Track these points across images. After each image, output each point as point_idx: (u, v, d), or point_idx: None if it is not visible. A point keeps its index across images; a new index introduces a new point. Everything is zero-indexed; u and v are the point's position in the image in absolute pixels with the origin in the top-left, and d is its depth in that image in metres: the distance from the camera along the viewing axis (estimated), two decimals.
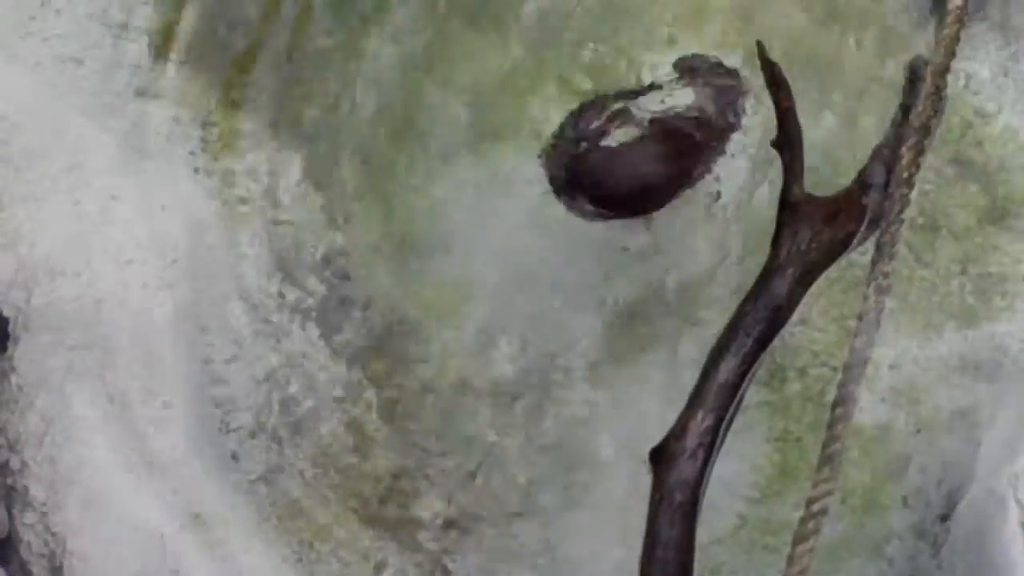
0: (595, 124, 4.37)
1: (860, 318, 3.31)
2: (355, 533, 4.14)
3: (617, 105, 4.38)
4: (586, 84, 4.43)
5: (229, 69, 4.38)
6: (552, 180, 4.36)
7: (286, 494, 4.12)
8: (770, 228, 3.52)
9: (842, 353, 3.33)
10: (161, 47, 4.34)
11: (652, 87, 4.40)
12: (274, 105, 4.38)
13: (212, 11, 4.41)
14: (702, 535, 3.28)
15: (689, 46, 4.45)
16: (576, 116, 4.40)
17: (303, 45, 4.44)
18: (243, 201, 4.31)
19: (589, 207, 4.35)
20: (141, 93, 4.29)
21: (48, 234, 4.12)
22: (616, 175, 4.38)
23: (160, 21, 4.35)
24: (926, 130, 3.52)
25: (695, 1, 4.49)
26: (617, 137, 4.35)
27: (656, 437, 3.33)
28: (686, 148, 4.37)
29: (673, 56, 4.43)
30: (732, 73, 4.42)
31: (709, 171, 4.36)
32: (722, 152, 4.37)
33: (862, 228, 3.51)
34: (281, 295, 4.25)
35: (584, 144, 4.36)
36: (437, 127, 4.41)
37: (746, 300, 3.46)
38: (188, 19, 4.37)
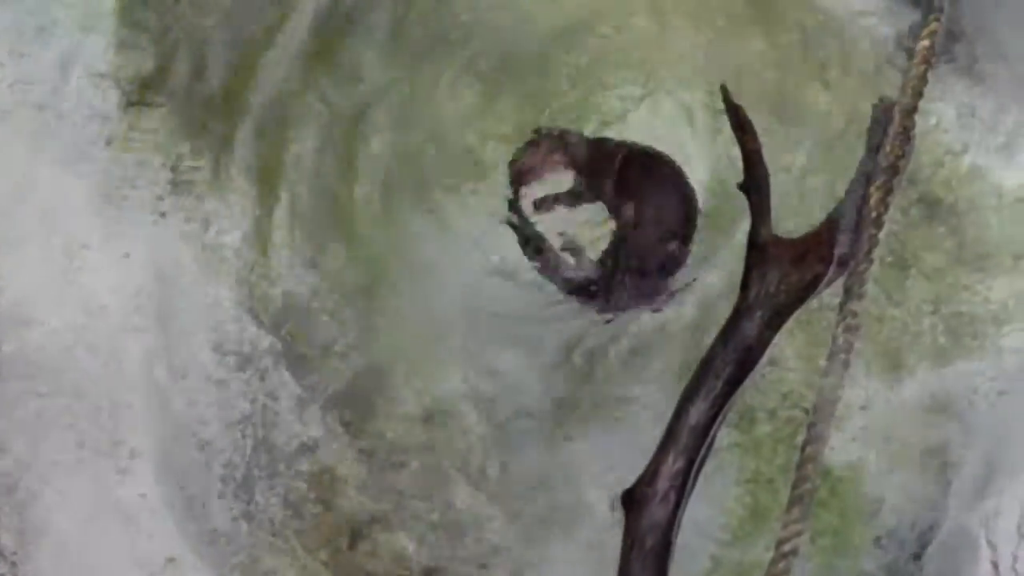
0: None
1: (829, 358, 3.31)
2: None
3: None
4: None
5: (197, 115, 4.38)
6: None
7: (256, 540, 4.10)
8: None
9: (812, 394, 3.31)
10: (130, 94, 4.34)
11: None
12: (242, 151, 4.39)
13: (181, 59, 4.42)
14: None
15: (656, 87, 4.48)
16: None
17: (271, 92, 4.45)
18: (212, 246, 4.30)
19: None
20: (110, 139, 4.29)
21: (19, 282, 4.11)
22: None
23: (129, 68, 4.35)
24: (894, 170, 3.53)
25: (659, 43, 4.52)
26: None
27: (628, 481, 3.33)
28: None
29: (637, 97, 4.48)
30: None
31: None
32: None
33: (831, 269, 3.51)
34: (252, 340, 4.23)
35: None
36: (407, 174, 4.41)
37: (715, 342, 3.46)
38: (157, 67, 4.38)
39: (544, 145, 4.49)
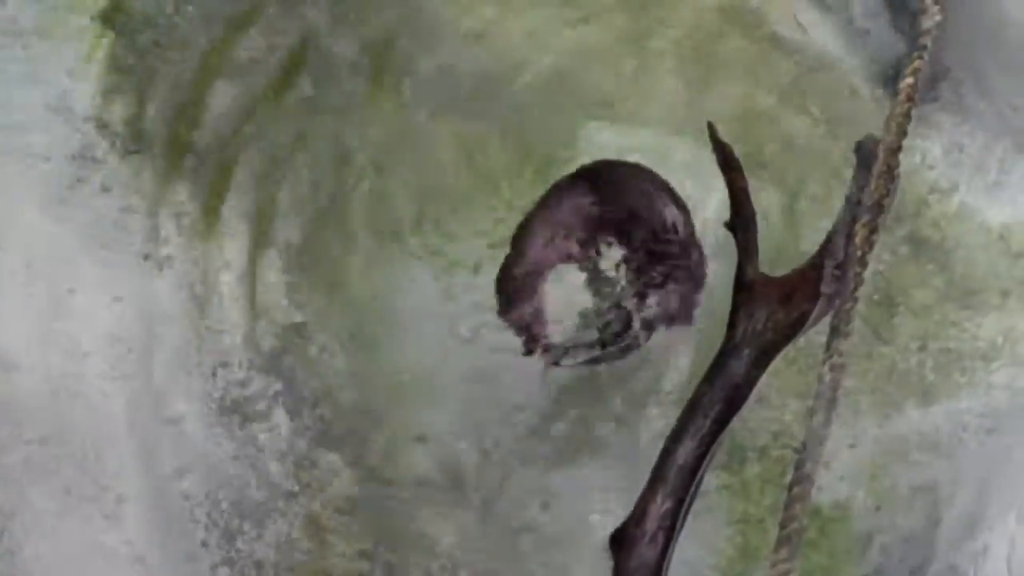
0: None
1: (816, 397, 3.31)
2: None
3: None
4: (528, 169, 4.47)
5: (185, 160, 4.39)
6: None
7: None
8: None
9: (801, 433, 3.31)
10: (117, 139, 4.34)
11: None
12: (231, 195, 4.38)
13: (168, 104, 4.43)
14: None
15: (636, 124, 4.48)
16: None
17: (260, 137, 4.45)
18: (198, 290, 4.29)
19: None
20: (95, 184, 4.29)
21: (4, 328, 4.11)
22: None
23: (116, 113, 4.36)
24: (879, 208, 3.54)
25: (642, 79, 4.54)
26: None
27: (616, 523, 3.33)
28: None
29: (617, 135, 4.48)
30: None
31: None
32: None
33: (817, 307, 3.52)
34: (240, 386, 4.22)
35: None
36: (387, 218, 4.42)
37: (703, 381, 3.47)
38: (145, 112, 4.39)
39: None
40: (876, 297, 4.27)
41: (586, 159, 4.40)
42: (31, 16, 4.39)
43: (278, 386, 4.25)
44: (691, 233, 4.29)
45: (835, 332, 3.40)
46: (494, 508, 4.18)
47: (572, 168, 4.40)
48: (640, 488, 3.38)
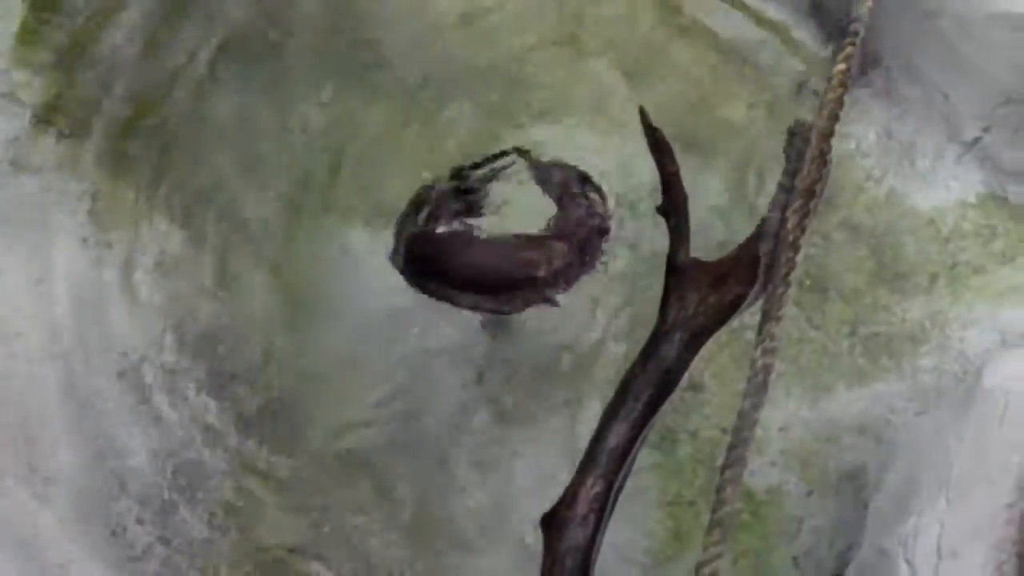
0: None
1: (748, 381, 3.32)
2: None
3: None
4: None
5: (115, 141, 4.36)
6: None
7: (175, 566, 4.06)
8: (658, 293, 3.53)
9: (734, 415, 3.32)
10: (47, 119, 4.31)
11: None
12: (160, 176, 4.36)
13: (98, 83, 4.40)
14: None
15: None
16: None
17: (189, 116, 4.43)
18: (130, 272, 4.27)
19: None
20: (25, 166, 4.26)
21: None
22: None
23: (45, 92, 4.34)
24: (811, 193, 3.55)
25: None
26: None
27: (548, 504, 3.33)
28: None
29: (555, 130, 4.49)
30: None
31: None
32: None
33: (752, 292, 3.53)
34: (170, 366, 4.21)
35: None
36: (319, 198, 4.41)
37: (634, 365, 3.47)
38: (73, 90, 4.36)
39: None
40: (808, 282, 4.29)
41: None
42: None
43: (206, 368, 4.23)
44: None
45: (767, 316, 3.41)
46: (427, 482, 4.18)
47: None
48: (571, 471, 3.38)
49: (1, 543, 3.97)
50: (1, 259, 4.16)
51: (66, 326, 4.16)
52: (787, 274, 3.46)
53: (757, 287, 3.51)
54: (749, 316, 3.60)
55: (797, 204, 3.51)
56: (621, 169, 4.44)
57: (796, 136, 3.64)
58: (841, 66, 3.71)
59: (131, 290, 4.25)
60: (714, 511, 3.18)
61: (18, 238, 4.19)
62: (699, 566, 3.12)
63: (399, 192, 4.40)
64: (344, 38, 4.60)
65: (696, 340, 3.48)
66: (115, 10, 4.49)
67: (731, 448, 3.25)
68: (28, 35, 4.40)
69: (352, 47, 4.60)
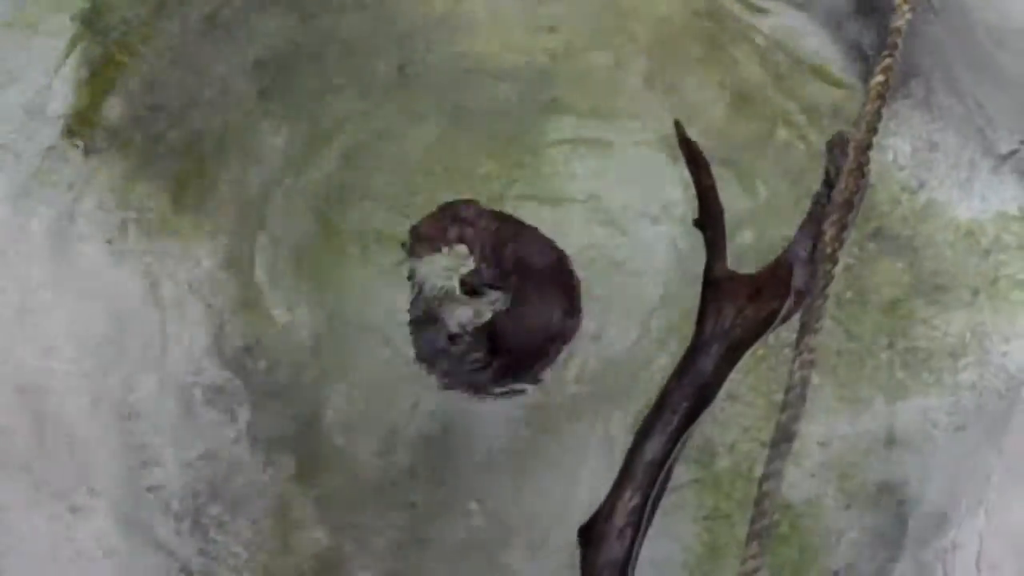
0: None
1: (786, 393, 3.31)
2: None
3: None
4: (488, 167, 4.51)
5: (154, 157, 4.38)
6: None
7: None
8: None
9: (771, 428, 3.31)
10: (84, 134, 4.33)
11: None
12: (198, 192, 4.38)
13: (136, 98, 4.42)
14: None
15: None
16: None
17: (228, 134, 4.45)
18: (168, 288, 4.28)
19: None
20: (64, 180, 4.28)
21: None
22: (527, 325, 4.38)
23: (83, 108, 4.35)
24: (848, 205, 3.53)
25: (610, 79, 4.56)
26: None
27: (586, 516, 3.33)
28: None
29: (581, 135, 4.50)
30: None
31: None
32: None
33: (787, 304, 3.52)
34: (207, 381, 4.21)
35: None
36: (356, 217, 4.42)
37: (672, 378, 3.46)
38: (111, 106, 4.38)
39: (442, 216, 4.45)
40: (849, 295, 4.28)
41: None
42: (5, 11, 4.39)
43: (248, 380, 4.24)
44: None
45: (805, 329, 3.40)
46: (461, 493, 4.18)
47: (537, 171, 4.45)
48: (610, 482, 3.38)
49: (40, 556, 3.99)
50: (41, 272, 4.18)
51: (103, 340, 4.17)
52: (824, 286, 3.44)
53: (791, 300, 3.51)
54: (786, 330, 3.58)
55: (835, 216, 3.50)
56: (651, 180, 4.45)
57: (834, 148, 3.63)
58: (879, 78, 3.69)
59: (168, 306, 4.26)
60: (752, 523, 3.17)
61: (58, 252, 4.20)
62: None
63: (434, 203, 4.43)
64: (383, 53, 4.61)
65: (733, 353, 3.47)
66: (154, 26, 4.51)
67: (769, 461, 3.23)
68: (78, 57, 4.43)
69: (391, 63, 4.61)
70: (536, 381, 4.28)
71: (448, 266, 4.36)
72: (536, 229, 4.40)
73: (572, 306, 4.33)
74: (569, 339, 4.31)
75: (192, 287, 4.30)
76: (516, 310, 4.33)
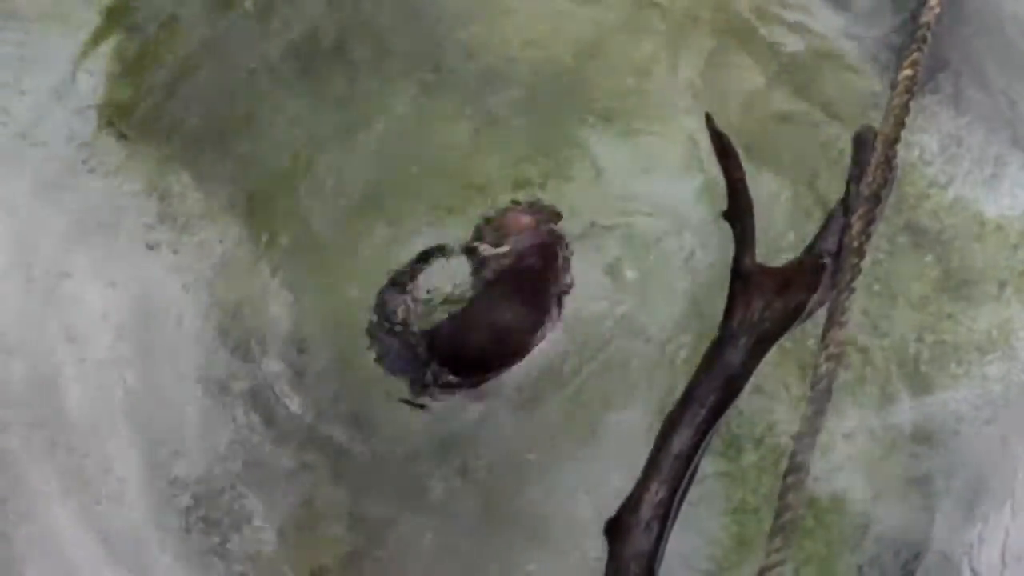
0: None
1: (812, 387, 3.31)
2: None
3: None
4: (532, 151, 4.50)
5: (185, 147, 4.40)
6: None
7: (240, 567, 4.08)
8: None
9: (798, 422, 3.31)
10: (114, 123, 4.36)
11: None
12: (231, 181, 4.39)
13: (166, 88, 4.44)
14: None
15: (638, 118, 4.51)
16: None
17: (257, 121, 4.46)
18: (197, 276, 4.29)
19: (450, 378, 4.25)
20: (94, 169, 4.30)
21: (1, 312, 4.12)
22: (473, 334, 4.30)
23: (113, 98, 4.38)
24: (876, 199, 3.54)
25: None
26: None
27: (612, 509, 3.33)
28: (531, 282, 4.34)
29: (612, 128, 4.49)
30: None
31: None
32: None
33: (814, 298, 3.52)
34: (235, 370, 4.22)
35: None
36: (393, 204, 4.42)
37: (699, 370, 3.46)
38: (140, 97, 4.40)
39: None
40: (876, 288, 4.27)
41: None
42: (36, 2, 4.42)
43: (277, 369, 4.25)
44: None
45: (831, 322, 3.40)
46: (490, 485, 4.18)
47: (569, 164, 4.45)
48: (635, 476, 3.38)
49: (65, 546, 4.01)
50: (72, 262, 4.20)
51: (132, 330, 4.19)
52: (851, 280, 3.45)
53: (818, 293, 3.51)
54: (813, 322, 3.59)
55: (862, 210, 3.50)
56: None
57: (862, 142, 3.63)
58: (907, 72, 3.69)
59: (198, 295, 4.27)
60: (777, 516, 3.17)
61: (88, 241, 4.23)
62: (761, 572, 3.12)
63: (465, 198, 4.42)
64: (411, 42, 4.62)
65: (761, 345, 3.48)
66: (184, 17, 4.53)
67: (794, 454, 3.24)
68: (109, 47, 4.45)
69: (419, 50, 4.61)
70: (474, 387, 4.27)
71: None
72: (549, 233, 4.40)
73: (536, 321, 4.31)
74: (521, 356, 4.25)
75: (219, 276, 4.31)
76: (468, 317, 4.29)
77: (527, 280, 4.29)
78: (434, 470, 4.16)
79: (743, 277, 3.53)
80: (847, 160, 3.69)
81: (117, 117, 4.37)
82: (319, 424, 4.19)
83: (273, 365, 4.24)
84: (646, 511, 3.30)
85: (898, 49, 4.46)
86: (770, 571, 3.10)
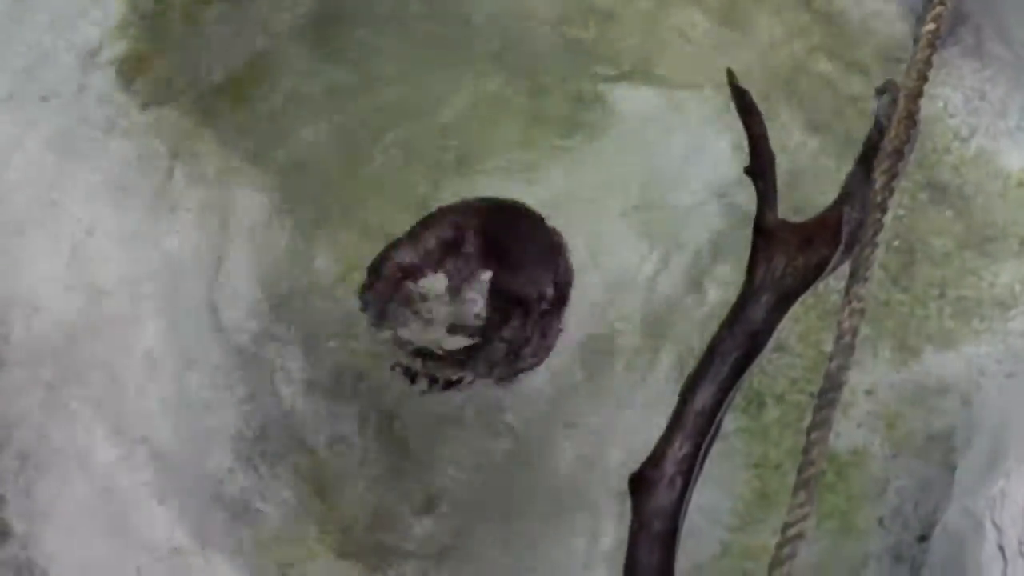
0: None
1: (835, 343, 3.30)
2: (331, 563, 4.11)
3: None
4: (558, 109, 4.49)
5: (206, 106, 4.41)
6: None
7: (263, 524, 4.10)
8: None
9: (820, 378, 3.31)
10: (134, 82, 4.37)
11: None
12: (248, 139, 4.40)
13: (185, 46, 4.44)
14: (683, 562, 3.27)
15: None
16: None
17: (278, 83, 4.46)
18: (218, 234, 4.30)
19: None
20: (115, 128, 4.32)
21: (24, 268, 4.15)
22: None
23: (133, 56, 4.39)
24: (899, 154, 3.51)
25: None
26: None
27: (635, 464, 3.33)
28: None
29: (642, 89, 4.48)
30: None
31: None
32: None
33: (837, 253, 3.51)
34: (258, 326, 4.24)
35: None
36: (418, 160, 4.42)
37: (722, 327, 3.45)
38: (161, 54, 4.41)
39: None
40: (898, 243, 4.27)
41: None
42: None
43: (298, 323, 4.27)
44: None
45: (854, 278, 3.38)
46: (517, 443, 4.19)
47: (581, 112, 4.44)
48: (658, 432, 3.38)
49: (92, 502, 4.03)
50: (95, 220, 4.22)
51: (155, 287, 4.21)
52: (874, 235, 3.43)
53: (841, 249, 3.50)
54: (834, 279, 3.58)
55: (885, 165, 3.48)
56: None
57: (884, 96, 3.61)
58: (930, 26, 3.67)
59: (219, 252, 4.28)
60: (800, 472, 3.17)
61: (111, 198, 4.25)
62: (785, 527, 3.11)
63: (486, 164, 4.44)
64: (431, 9, 4.61)
65: (783, 302, 3.46)
66: None
67: (817, 409, 3.23)
68: (131, 9, 4.47)
69: (439, 19, 4.60)
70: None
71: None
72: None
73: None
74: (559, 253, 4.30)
75: (241, 235, 4.32)
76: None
77: (501, 244, 4.30)
78: (458, 426, 4.19)
79: (765, 233, 3.51)
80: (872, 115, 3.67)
81: (139, 76, 4.38)
82: (346, 377, 4.21)
83: (298, 319, 4.25)
84: (669, 466, 3.30)
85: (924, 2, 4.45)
86: (794, 526, 3.09)
